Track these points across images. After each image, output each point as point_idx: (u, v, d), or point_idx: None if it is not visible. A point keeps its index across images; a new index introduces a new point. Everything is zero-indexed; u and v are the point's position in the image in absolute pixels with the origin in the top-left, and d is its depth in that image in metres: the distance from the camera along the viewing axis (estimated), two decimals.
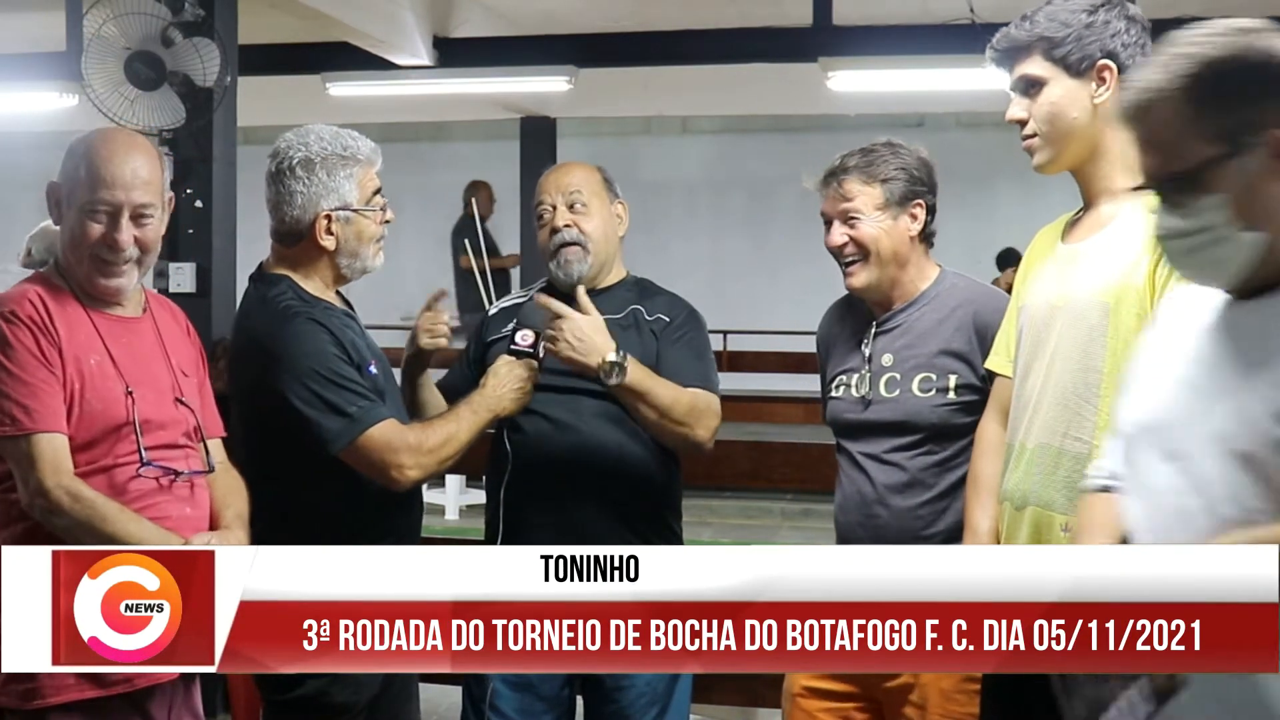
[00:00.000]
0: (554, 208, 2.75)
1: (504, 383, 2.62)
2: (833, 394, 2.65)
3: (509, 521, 2.72)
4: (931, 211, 2.59)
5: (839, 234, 2.56)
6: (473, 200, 6.73)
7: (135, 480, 2.28)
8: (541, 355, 2.65)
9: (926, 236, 2.60)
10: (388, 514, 2.58)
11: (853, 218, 2.55)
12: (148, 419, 2.31)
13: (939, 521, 2.50)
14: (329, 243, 2.55)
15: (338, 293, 2.67)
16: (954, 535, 2.45)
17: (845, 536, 2.61)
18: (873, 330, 2.59)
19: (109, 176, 2.26)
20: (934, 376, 2.51)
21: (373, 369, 2.57)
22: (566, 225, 2.74)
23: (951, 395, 2.50)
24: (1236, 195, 1.58)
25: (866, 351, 2.58)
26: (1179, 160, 1.60)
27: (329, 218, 2.53)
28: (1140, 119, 1.63)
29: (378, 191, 2.60)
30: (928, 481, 2.50)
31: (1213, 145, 1.58)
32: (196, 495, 2.38)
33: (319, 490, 2.52)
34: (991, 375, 2.42)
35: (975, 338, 2.51)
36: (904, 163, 2.56)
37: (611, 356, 2.58)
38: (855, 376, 2.59)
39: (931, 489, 2.50)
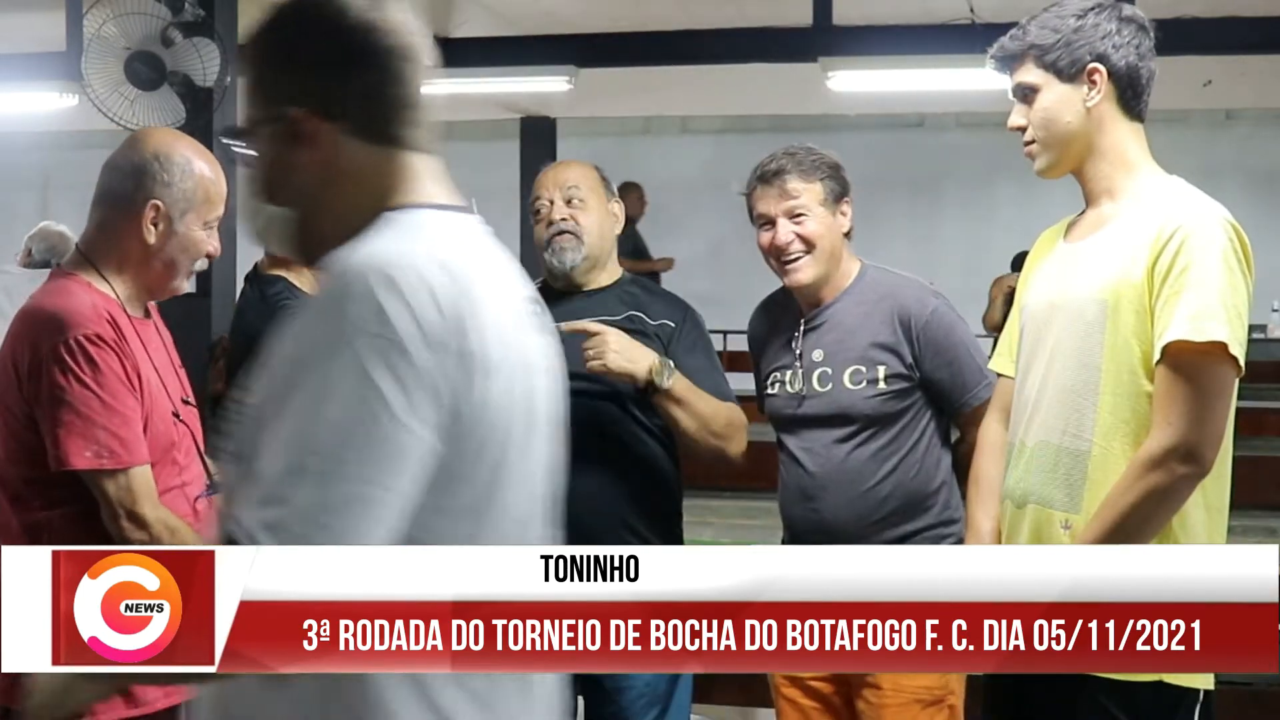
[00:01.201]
0: (551, 202, 2.76)
1: None
2: (768, 391, 2.73)
3: None
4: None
5: (787, 231, 2.62)
6: (623, 201, 6.66)
7: (199, 501, 2.29)
8: None
9: (848, 234, 2.69)
10: None
11: (799, 215, 2.62)
12: (193, 432, 2.31)
13: (879, 510, 2.58)
14: None
15: None
16: (893, 527, 2.55)
17: (790, 528, 2.71)
18: (802, 328, 2.64)
19: (220, 192, 2.33)
20: (864, 369, 2.59)
21: None
22: (563, 218, 2.74)
23: (882, 385, 2.59)
24: (267, 163, 1.46)
25: (797, 349, 2.65)
26: (247, 113, 1.49)
27: None
28: (242, 58, 1.51)
29: None
30: (865, 471, 2.58)
31: (257, 104, 1.47)
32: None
33: None
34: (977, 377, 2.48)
35: (900, 329, 2.60)
36: (829, 163, 2.66)
37: (658, 358, 2.59)
38: (789, 373, 2.67)
39: (870, 479, 2.58)
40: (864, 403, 2.58)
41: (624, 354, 2.58)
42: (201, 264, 2.34)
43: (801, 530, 2.66)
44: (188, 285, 2.37)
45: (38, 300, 2.21)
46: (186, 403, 2.33)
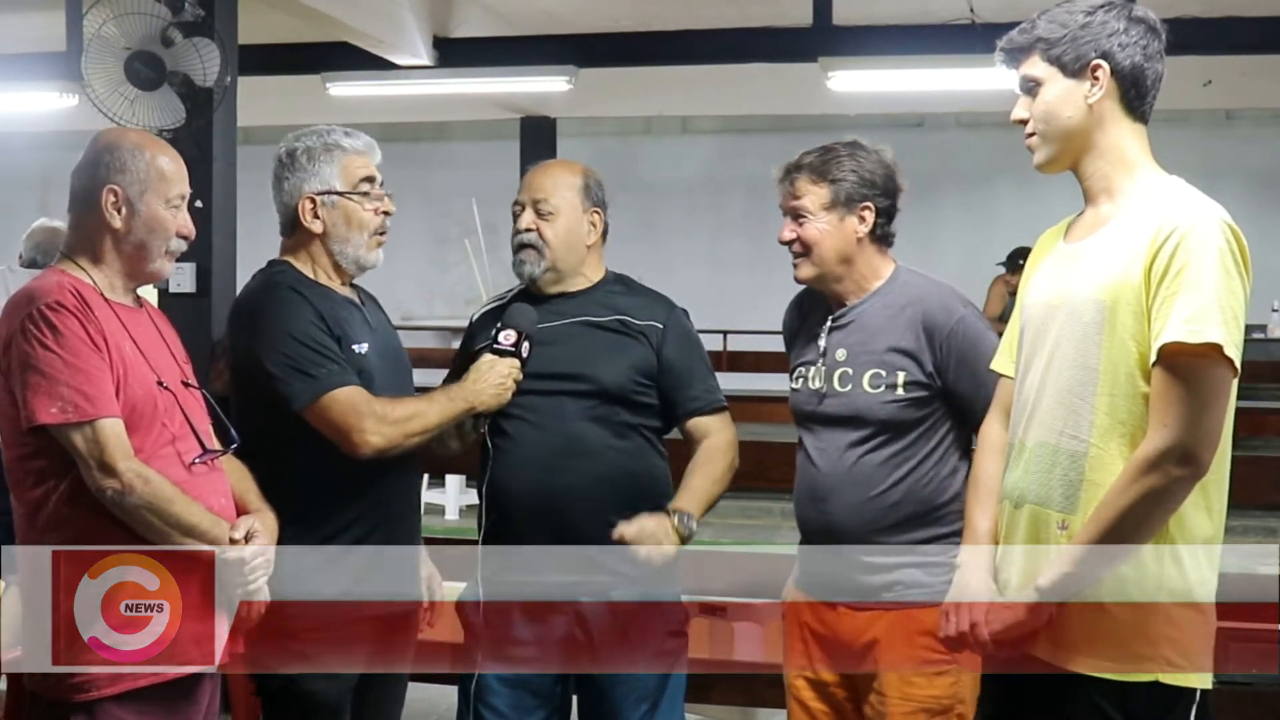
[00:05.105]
0: (522, 208, 2.78)
1: (484, 378, 2.66)
2: (793, 385, 2.73)
3: (490, 521, 2.73)
4: (884, 214, 2.64)
5: (788, 230, 2.66)
6: None
7: (195, 465, 2.34)
8: (525, 356, 2.67)
9: (882, 237, 2.65)
10: (373, 485, 2.60)
11: (800, 216, 2.63)
12: (182, 404, 2.36)
13: (887, 516, 2.57)
14: (315, 226, 2.65)
15: (354, 286, 2.72)
16: (902, 534, 2.54)
17: (801, 527, 2.71)
18: (828, 324, 2.66)
19: (179, 172, 2.40)
20: (883, 373, 2.58)
21: (361, 348, 2.61)
22: (528, 229, 2.76)
23: (900, 392, 2.57)
24: None
25: (822, 345, 2.66)
26: None
27: (313, 200, 2.64)
28: None
29: (370, 180, 2.67)
30: (875, 477, 2.58)
31: None
32: (224, 482, 2.42)
33: (303, 459, 2.55)
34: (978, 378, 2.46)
35: (923, 335, 2.58)
36: (858, 165, 2.62)
37: (673, 521, 2.64)
38: (812, 369, 2.67)
39: (879, 484, 2.57)
40: (880, 408, 2.57)
41: (666, 546, 2.62)
42: (179, 245, 2.40)
43: (811, 530, 2.66)
44: (170, 268, 2.42)
45: (17, 290, 2.34)
46: (187, 384, 2.42)
